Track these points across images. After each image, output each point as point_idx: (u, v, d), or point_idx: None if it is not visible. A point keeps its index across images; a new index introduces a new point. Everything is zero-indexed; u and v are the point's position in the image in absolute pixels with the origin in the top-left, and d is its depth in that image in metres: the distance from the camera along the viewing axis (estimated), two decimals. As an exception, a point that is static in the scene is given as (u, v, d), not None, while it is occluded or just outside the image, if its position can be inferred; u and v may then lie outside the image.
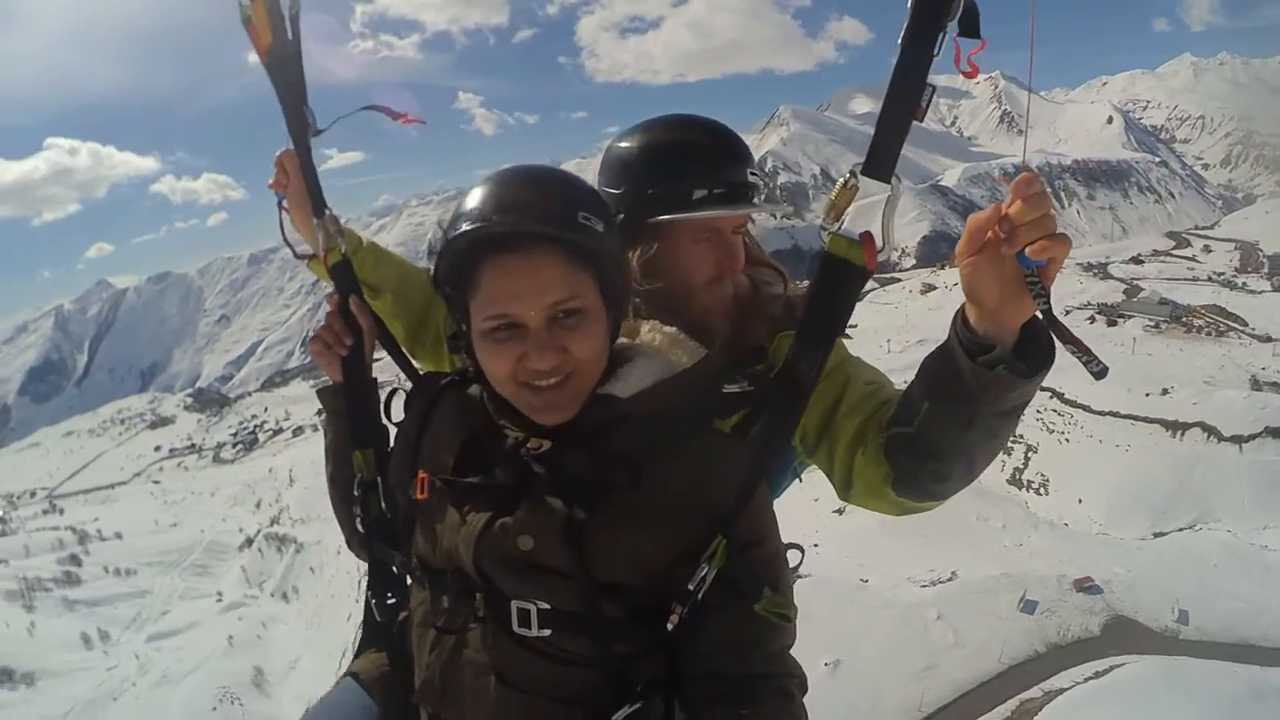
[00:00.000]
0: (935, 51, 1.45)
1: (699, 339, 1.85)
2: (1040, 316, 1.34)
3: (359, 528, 1.99)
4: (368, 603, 2.04)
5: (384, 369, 2.27)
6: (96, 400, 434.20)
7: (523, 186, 1.47)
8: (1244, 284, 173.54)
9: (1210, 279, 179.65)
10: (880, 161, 1.54)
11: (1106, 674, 48.49)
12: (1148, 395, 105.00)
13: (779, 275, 2.25)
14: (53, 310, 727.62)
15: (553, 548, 1.44)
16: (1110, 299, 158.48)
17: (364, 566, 2.07)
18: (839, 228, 1.62)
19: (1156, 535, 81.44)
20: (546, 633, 1.45)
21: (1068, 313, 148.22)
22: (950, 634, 54.99)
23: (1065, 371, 1.32)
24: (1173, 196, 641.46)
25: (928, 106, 1.49)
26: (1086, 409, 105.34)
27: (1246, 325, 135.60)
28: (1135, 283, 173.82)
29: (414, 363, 2.32)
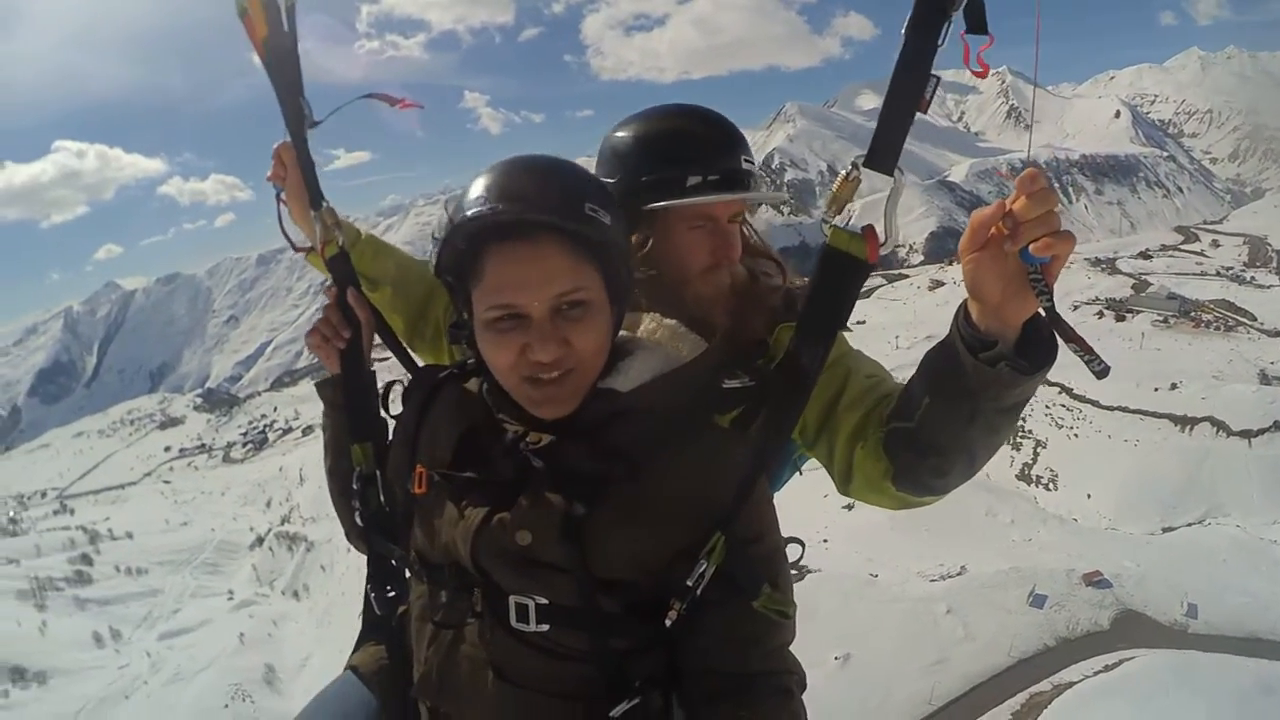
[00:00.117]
0: (940, 41, 1.43)
1: (699, 331, 1.81)
2: (1043, 313, 1.33)
3: (358, 521, 1.98)
4: (367, 596, 2.03)
5: (392, 369, 2.22)
6: (106, 401, 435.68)
7: (530, 175, 1.45)
8: (1252, 278, 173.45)
9: (1219, 273, 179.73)
10: (883, 153, 1.52)
11: (1116, 667, 48.81)
12: (1156, 390, 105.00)
13: (778, 266, 2.23)
14: (62, 312, 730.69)
15: (551, 543, 1.43)
16: (1118, 294, 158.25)
17: None
18: (846, 222, 1.61)
19: (1165, 530, 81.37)
20: (544, 628, 1.44)
21: (1075, 308, 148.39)
22: (960, 628, 55.20)
23: (1074, 367, 1.47)
24: (1181, 191, 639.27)
25: (931, 98, 1.47)
26: (1095, 404, 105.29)
27: (1255, 320, 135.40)
28: (1143, 278, 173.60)
29: (413, 355, 2.32)
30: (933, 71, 1.46)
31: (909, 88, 1.48)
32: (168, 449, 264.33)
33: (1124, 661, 49.41)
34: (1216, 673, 44.90)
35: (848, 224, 1.60)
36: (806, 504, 65.47)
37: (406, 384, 1.86)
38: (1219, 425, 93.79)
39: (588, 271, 1.44)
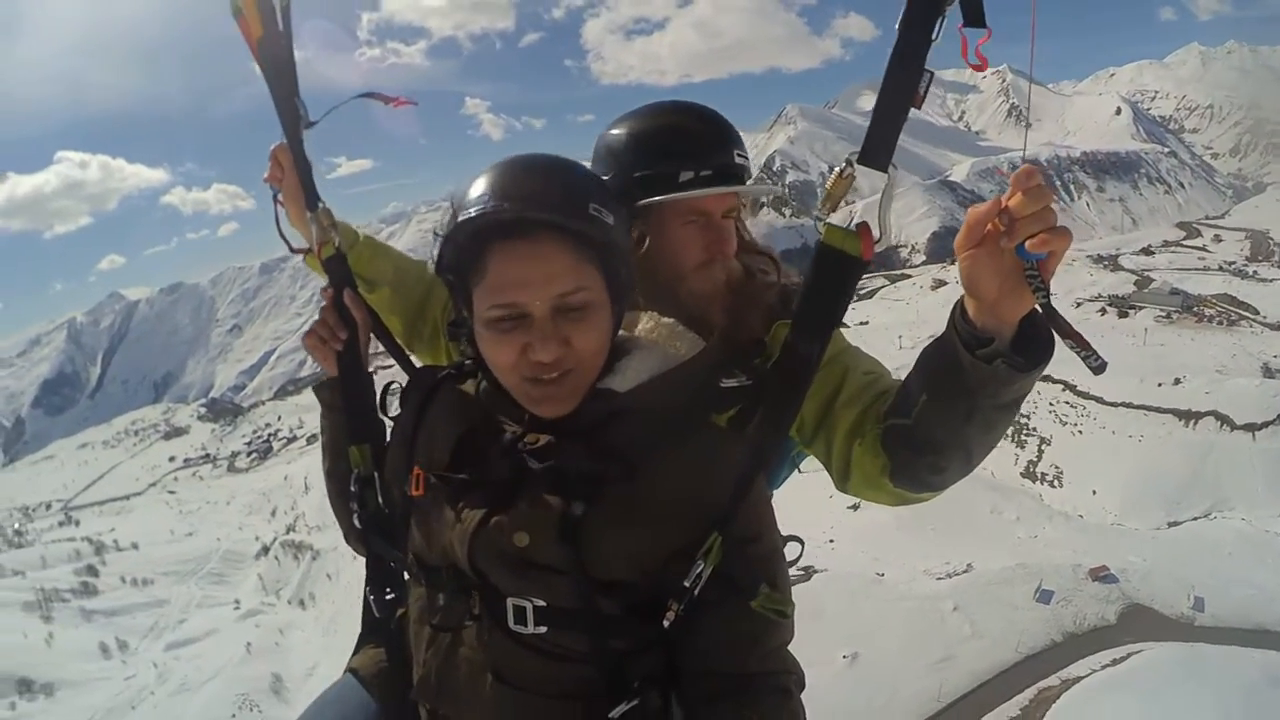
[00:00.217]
0: (934, 36, 1.43)
1: (696, 329, 1.79)
2: (1040, 310, 1.33)
3: (356, 523, 1.98)
4: (366, 598, 2.02)
5: (392, 373, 2.19)
6: (110, 412, 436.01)
7: (533, 174, 1.44)
8: (1255, 272, 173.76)
9: (1221, 268, 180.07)
10: (877, 150, 1.52)
11: (1123, 661, 48.75)
12: (1160, 385, 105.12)
13: (772, 263, 2.23)
14: (65, 323, 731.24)
15: (548, 544, 1.42)
16: (1121, 290, 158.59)
17: None
18: (851, 221, 1.60)
19: (1171, 525, 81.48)
20: (543, 630, 1.44)
21: (1078, 305, 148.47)
22: (967, 625, 55.14)
23: (1077, 364, 1.19)
24: (1183, 187, 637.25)
25: (925, 93, 1.47)
26: (1099, 400, 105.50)
27: (1258, 314, 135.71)
28: (1146, 274, 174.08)
29: (410, 357, 2.32)
30: (927, 67, 1.46)
31: (903, 84, 1.47)
32: (172, 459, 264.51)
33: (1131, 655, 49.31)
34: (1224, 665, 44.83)
35: (852, 222, 1.60)
36: (812, 504, 65.49)
37: (404, 385, 1.86)
38: (1223, 419, 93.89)
39: (589, 271, 1.44)
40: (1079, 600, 57.15)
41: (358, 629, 2.17)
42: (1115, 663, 48.87)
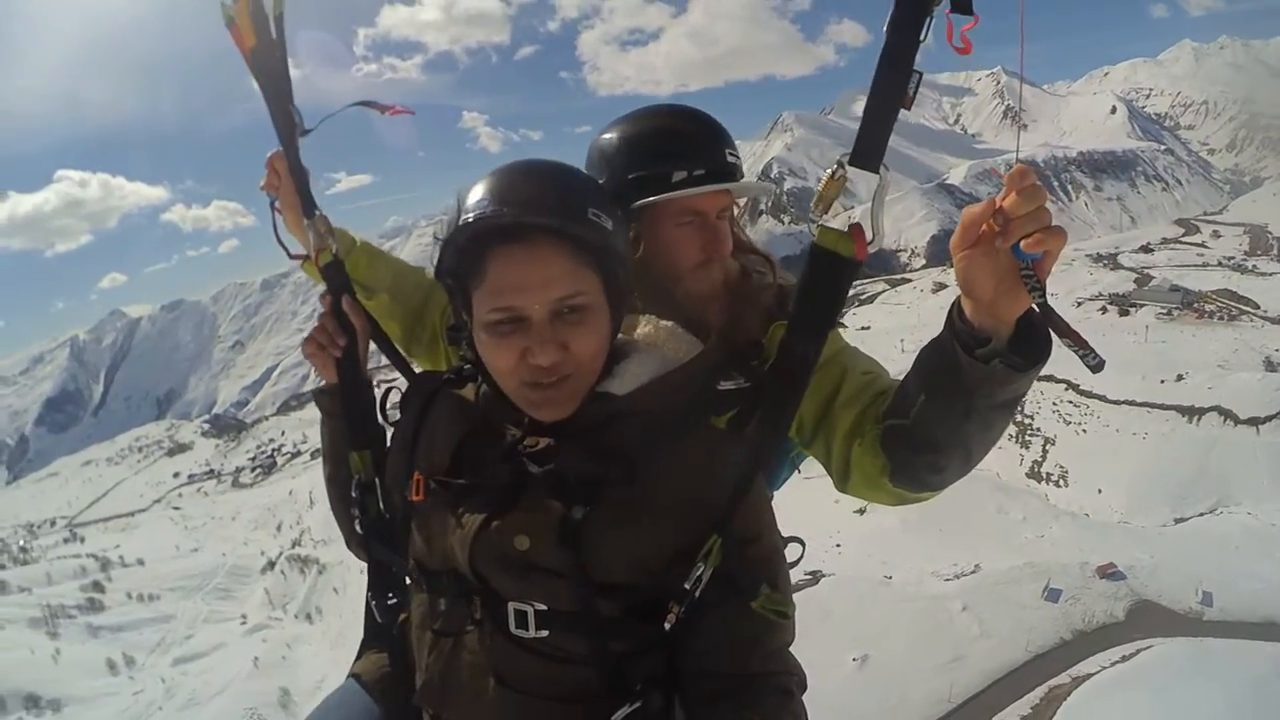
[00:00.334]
0: (922, 37, 1.44)
1: (694, 331, 1.79)
2: (1036, 309, 1.32)
3: (357, 529, 1.99)
4: (368, 604, 2.04)
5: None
6: (114, 429, 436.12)
7: (532, 179, 1.46)
8: (1254, 267, 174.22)
9: (1220, 263, 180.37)
10: (868, 151, 1.52)
11: (1133, 658, 48.79)
12: (1163, 382, 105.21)
13: (767, 263, 2.23)
14: (68, 341, 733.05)
15: (549, 547, 1.43)
16: (1121, 289, 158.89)
17: None
18: (855, 225, 1.60)
19: (1177, 521, 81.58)
20: (544, 633, 1.44)
21: (1079, 304, 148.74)
22: (976, 625, 55.20)
23: (1079, 363, 1.16)
24: (1180, 184, 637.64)
25: (915, 94, 1.46)
26: (1102, 399, 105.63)
27: (1259, 308, 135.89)
28: (1146, 271, 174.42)
29: (409, 362, 2.37)
30: (916, 68, 1.46)
31: (892, 85, 1.47)
32: (176, 475, 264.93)
33: (1141, 651, 49.37)
34: (1233, 658, 44.84)
35: (847, 224, 1.60)
36: (817, 509, 65.28)
37: (404, 391, 1.86)
38: (1226, 414, 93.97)
39: (587, 275, 1.44)
40: (1087, 598, 57.22)
41: (362, 638, 2.24)
42: (1125, 659, 48.90)
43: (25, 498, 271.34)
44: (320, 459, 2.20)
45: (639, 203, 1.95)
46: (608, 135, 2.07)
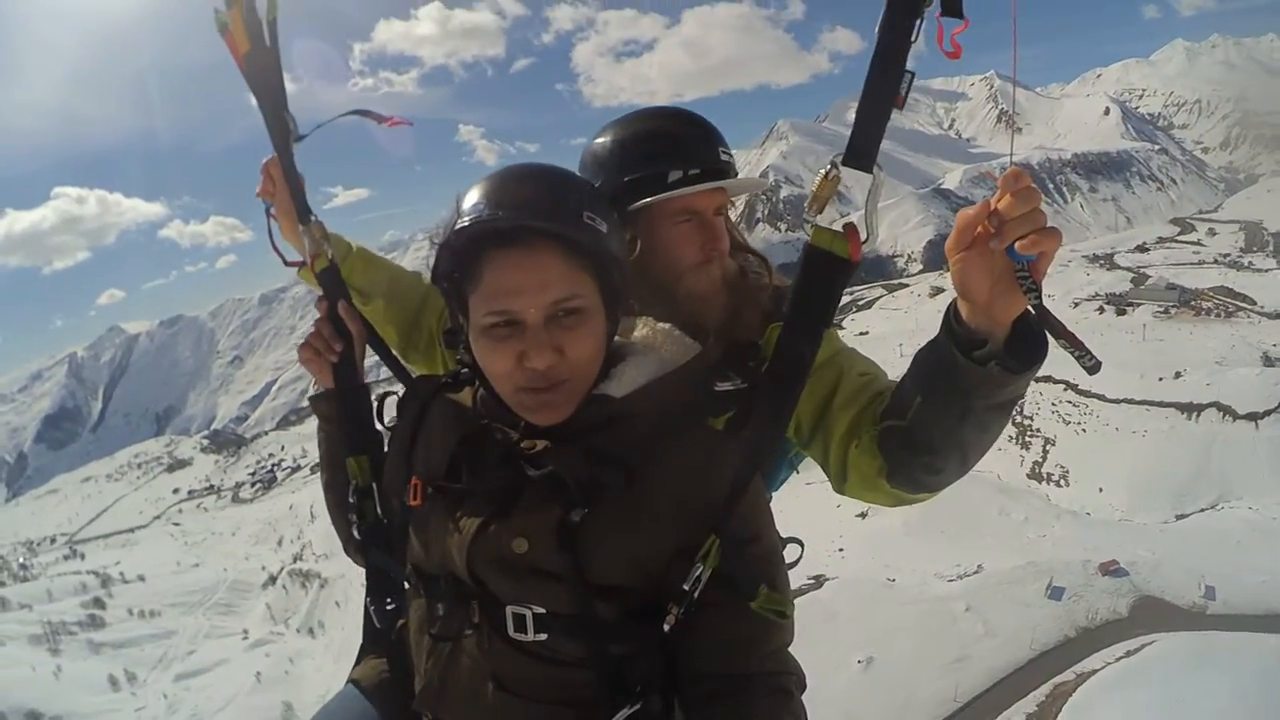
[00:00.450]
0: (913, 37, 1.43)
1: (692, 333, 1.77)
2: (1032, 311, 1.33)
3: (355, 534, 1.98)
4: (367, 609, 2.03)
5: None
6: (113, 446, 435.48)
7: (528, 183, 1.46)
8: (1250, 263, 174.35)
9: (1216, 261, 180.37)
10: (861, 151, 1.52)
11: (1137, 653, 48.75)
12: (1161, 380, 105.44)
13: (764, 263, 2.22)
14: (66, 358, 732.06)
15: (547, 550, 1.43)
16: (1118, 288, 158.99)
17: None
18: (849, 224, 1.59)
19: (1179, 518, 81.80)
20: (543, 636, 1.44)
21: (1076, 305, 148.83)
22: (980, 625, 55.22)
23: (1077, 363, 1.22)
24: (1175, 183, 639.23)
25: (907, 94, 1.46)
26: (1101, 398, 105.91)
27: (1255, 304, 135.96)
28: (1142, 271, 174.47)
29: (406, 367, 2.33)
30: (908, 68, 1.46)
31: (885, 85, 1.47)
32: (176, 491, 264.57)
33: (1145, 647, 49.41)
34: (1238, 651, 44.85)
35: (841, 223, 1.59)
36: (820, 513, 65.50)
37: (401, 396, 1.87)
38: (1225, 410, 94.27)
39: (584, 279, 1.44)
40: (1090, 595, 57.26)
41: (363, 647, 2.24)
42: (1129, 655, 48.93)
43: (25, 515, 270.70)
44: (318, 473, 2.28)
45: (636, 204, 1.94)
46: (601, 139, 2.07)
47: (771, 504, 1.77)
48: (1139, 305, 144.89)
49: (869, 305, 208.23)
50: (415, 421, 1.74)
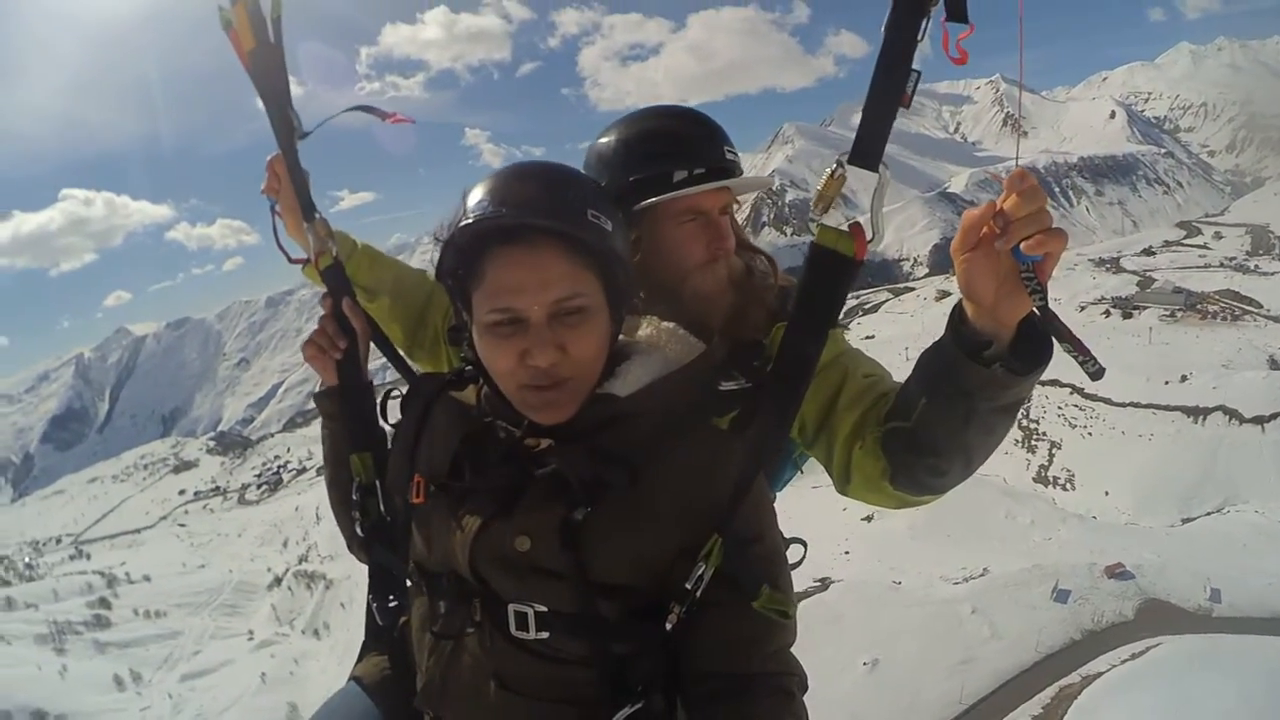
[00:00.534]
0: (919, 36, 1.44)
1: (697, 333, 1.75)
2: (1037, 312, 1.31)
3: (358, 531, 1.99)
4: (369, 606, 2.05)
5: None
6: (119, 447, 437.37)
7: (532, 181, 1.46)
8: (1256, 267, 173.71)
9: (1222, 264, 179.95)
10: (867, 149, 1.52)
11: (1143, 655, 48.68)
12: (1167, 383, 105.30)
13: (769, 262, 2.22)
14: (73, 359, 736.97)
15: (550, 549, 1.43)
16: (1124, 292, 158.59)
17: None
18: (855, 223, 1.60)
19: (1185, 521, 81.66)
20: (545, 635, 1.44)
21: (1082, 309, 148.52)
22: (986, 627, 55.16)
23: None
24: (1181, 186, 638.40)
25: (913, 93, 1.46)
26: (1107, 402, 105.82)
27: (1261, 307, 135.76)
28: (1148, 274, 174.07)
29: (411, 364, 2.37)
30: (914, 68, 1.46)
31: (890, 84, 1.47)
32: (182, 492, 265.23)
33: (1150, 649, 49.31)
34: (1243, 653, 44.73)
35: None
36: (826, 516, 65.72)
37: (404, 393, 1.87)
38: (1231, 414, 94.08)
39: (587, 277, 1.44)
40: (1096, 598, 57.17)
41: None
42: (1134, 657, 48.85)
43: (31, 515, 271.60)
44: (323, 475, 2.30)
45: (641, 204, 1.93)
46: (605, 139, 2.05)
47: (776, 504, 1.77)
48: (1145, 309, 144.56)
49: (875, 309, 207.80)
50: (419, 419, 1.74)
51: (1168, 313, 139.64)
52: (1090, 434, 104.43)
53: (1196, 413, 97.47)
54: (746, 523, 1.49)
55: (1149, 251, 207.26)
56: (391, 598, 2.01)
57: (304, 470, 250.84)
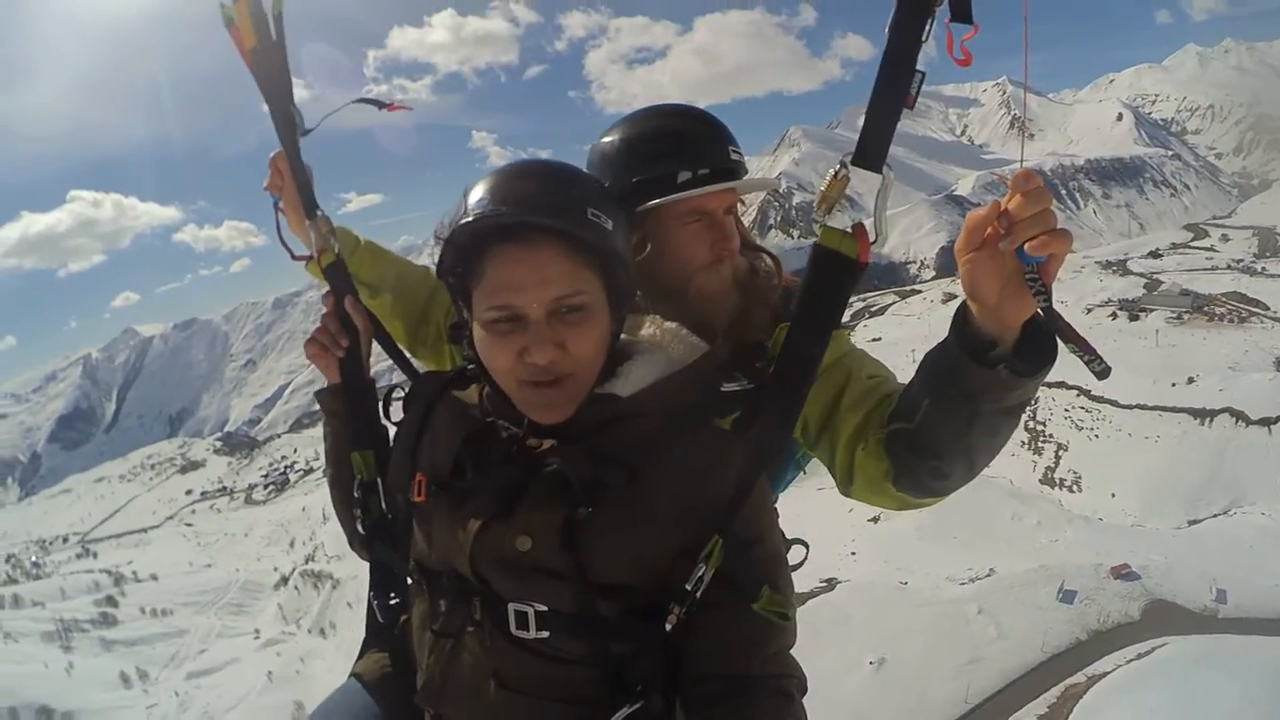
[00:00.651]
0: (924, 36, 1.43)
1: (701, 332, 1.75)
2: (1042, 314, 1.30)
3: (359, 529, 2.00)
4: (370, 603, 2.06)
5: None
6: (126, 447, 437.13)
7: (532, 179, 1.46)
8: (1263, 269, 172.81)
9: (1229, 266, 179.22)
10: (870, 150, 1.52)
11: (1148, 655, 48.58)
12: (1174, 385, 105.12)
13: (774, 262, 2.21)
14: (81, 359, 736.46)
15: (550, 549, 1.42)
16: (1131, 294, 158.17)
17: None
18: (859, 225, 1.61)
19: (1191, 523, 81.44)
20: (545, 634, 1.44)
21: (1089, 311, 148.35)
22: (992, 627, 55.14)
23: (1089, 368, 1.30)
24: (1188, 189, 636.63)
25: (917, 94, 1.46)
26: (1114, 404, 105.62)
27: (1268, 309, 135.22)
28: (1155, 276, 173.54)
29: (414, 362, 2.37)
30: (918, 68, 1.46)
31: (895, 84, 1.47)
32: (189, 492, 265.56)
33: (1156, 649, 49.19)
34: (1249, 654, 44.65)
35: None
36: (832, 516, 65.90)
37: (407, 391, 1.87)
38: (1238, 415, 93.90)
39: (587, 276, 1.44)
40: (1102, 599, 57.09)
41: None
42: (1140, 657, 48.73)
43: (38, 514, 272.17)
44: (325, 467, 2.31)
45: (645, 205, 1.93)
46: (608, 138, 2.04)
47: (780, 505, 1.78)
48: (1152, 311, 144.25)
49: (881, 311, 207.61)
50: (421, 417, 1.74)
51: (1174, 315, 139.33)
52: (1097, 436, 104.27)
53: (1203, 415, 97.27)
54: (747, 524, 1.49)
55: (1156, 254, 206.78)
56: (393, 595, 2.03)
57: (311, 471, 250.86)
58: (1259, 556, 63.73)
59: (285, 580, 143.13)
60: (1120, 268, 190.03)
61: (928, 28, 1.43)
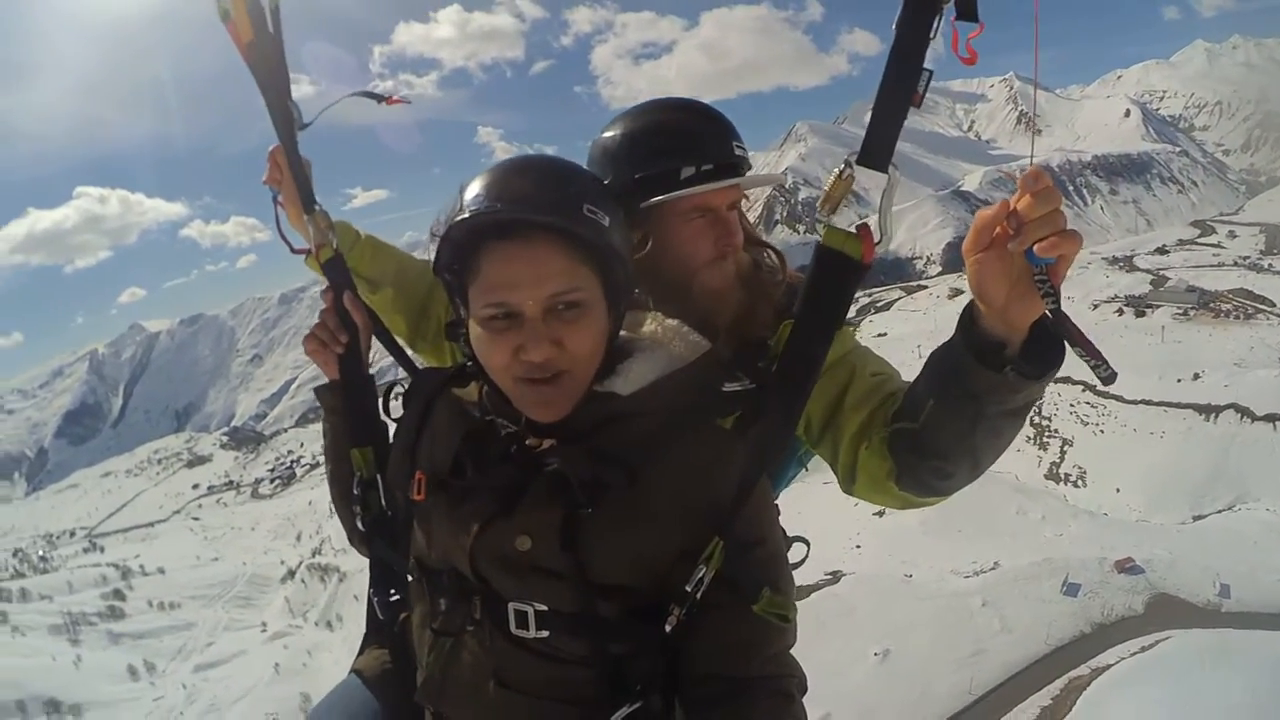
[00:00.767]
0: (931, 34, 1.42)
1: (704, 329, 1.72)
2: (1049, 316, 1.28)
3: (359, 526, 1.99)
4: (370, 600, 2.05)
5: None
6: (133, 442, 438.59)
7: (529, 175, 1.45)
8: (1270, 265, 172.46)
9: (1236, 263, 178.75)
10: (876, 150, 1.51)
11: (1152, 649, 48.86)
12: (1179, 381, 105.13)
13: (778, 256, 2.18)
14: (87, 355, 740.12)
15: (550, 548, 1.42)
16: (1137, 290, 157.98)
17: None
18: (863, 225, 1.60)
19: (1196, 519, 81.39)
20: (544, 634, 1.43)
21: (1095, 307, 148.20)
22: (996, 620, 55.45)
23: None
24: (1195, 185, 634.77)
25: (925, 92, 1.45)
26: (1119, 399, 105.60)
27: (1274, 306, 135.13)
28: (1161, 273, 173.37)
29: (414, 357, 2.35)
30: (925, 66, 1.45)
31: (901, 83, 1.46)
32: (196, 486, 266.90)
33: (1159, 643, 49.51)
34: (1251, 648, 44.98)
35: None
36: (837, 510, 65.90)
37: (406, 388, 1.85)
38: (1243, 411, 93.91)
39: (584, 273, 1.43)
40: (1106, 592, 57.39)
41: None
42: (1143, 650, 49.09)
43: (45, 509, 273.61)
44: (325, 464, 2.28)
45: (649, 202, 1.89)
46: (610, 133, 1.99)
47: (784, 499, 1.79)
48: (1158, 307, 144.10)
49: (887, 307, 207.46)
50: (420, 415, 1.73)
51: (1181, 311, 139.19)
52: (1102, 431, 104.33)
53: (1208, 411, 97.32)
54: (748, 525, 1.48)
55: (1162, 250, 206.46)
56: (393, 592, 2.01)
57: (317, 465, 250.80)
58: (1262, 552, 63.77)
59: (292, 574, 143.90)
60: (1127, 264, 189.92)
61: (936, 25, 1.41)
